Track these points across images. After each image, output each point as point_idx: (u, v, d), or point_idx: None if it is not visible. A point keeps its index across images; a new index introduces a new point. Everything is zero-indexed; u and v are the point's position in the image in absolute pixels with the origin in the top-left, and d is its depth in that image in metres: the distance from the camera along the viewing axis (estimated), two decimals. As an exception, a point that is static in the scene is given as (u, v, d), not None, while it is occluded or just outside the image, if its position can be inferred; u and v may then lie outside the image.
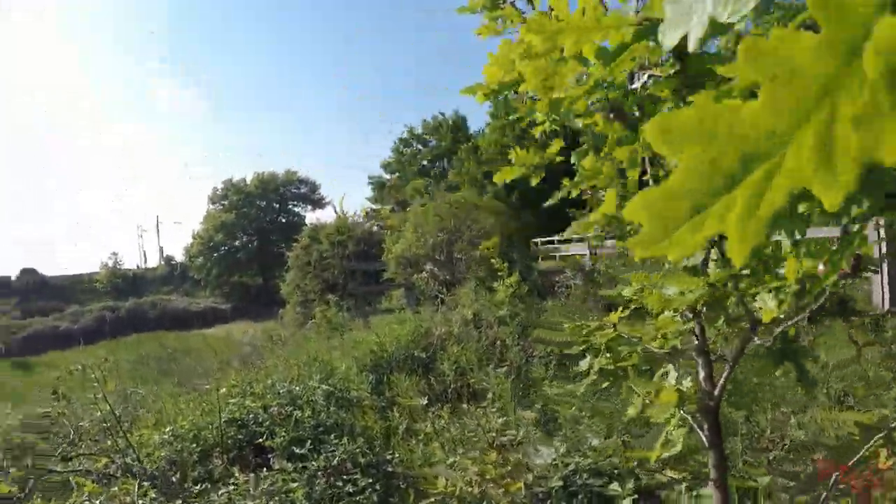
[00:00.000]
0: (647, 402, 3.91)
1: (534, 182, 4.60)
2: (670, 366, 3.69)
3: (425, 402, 6.60)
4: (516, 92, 4.86)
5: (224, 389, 7.17)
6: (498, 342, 9.32)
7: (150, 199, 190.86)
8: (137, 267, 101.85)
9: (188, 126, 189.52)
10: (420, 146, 74.83)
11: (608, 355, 3.86)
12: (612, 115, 2.54)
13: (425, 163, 72.82)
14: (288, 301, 36.80)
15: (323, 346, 12.48)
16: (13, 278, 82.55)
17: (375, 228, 38.73)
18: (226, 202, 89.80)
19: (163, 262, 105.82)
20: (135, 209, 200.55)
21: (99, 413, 7.20)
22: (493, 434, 5.51)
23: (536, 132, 4.49)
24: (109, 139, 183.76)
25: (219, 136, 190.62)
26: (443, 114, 74.12)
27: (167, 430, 6.48)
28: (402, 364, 8.82)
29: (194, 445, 6.31)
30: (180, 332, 60.07)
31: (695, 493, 3.87)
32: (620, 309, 4.00)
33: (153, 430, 6.68)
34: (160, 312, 74.39)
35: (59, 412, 8.19)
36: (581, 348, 3.91)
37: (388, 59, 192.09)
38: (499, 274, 12.18)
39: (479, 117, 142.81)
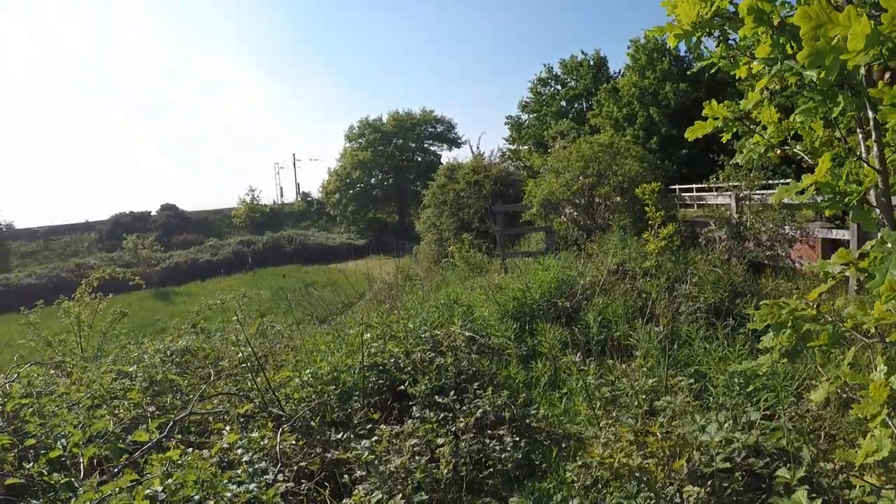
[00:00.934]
0: (844, 392, 3.57)
1: (725, 138, 4.22)
2: (879, 357, 3.34)
3: (578, 358, 6.28)
4: (723, 34, 4.44)
5: (368, 335, 7.00)
6: (644, 295, 8.96)
7: (288, 136, 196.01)
8: (274, 202, 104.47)
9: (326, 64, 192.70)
10: (559, 86, 73.50)
11: (789, 331, 3.53)
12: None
13: (563, 103, 71.54)
14: (423, 238, 37.40)
15: (461, 287, 12.37)
16: (153, 213, 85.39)
17: (512, 169, 39.31)
18: (362, 140, 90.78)
19: (300, 198, 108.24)
20: (273, 146, 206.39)
21: (239, 353, 7.21)
22: (644, 397, 5.23)
23: (754, 89, 4.10)
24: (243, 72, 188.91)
25: (354, 75, 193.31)
26: (584, 52, 72.62)
27: (307, 372, 6.42)
28: (545, 312, 8.48)
29: (333, 387, 6.24)
30: (318, 265, 61.52)
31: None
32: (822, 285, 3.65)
33: (294, 370, 6.62)
34: (297, 247, 76.71)
35: (199, 346, 8.33)
36: (763, 323, 3.59)
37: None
38: (650, 223, 11.73)
39: (619, 58, 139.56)
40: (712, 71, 4.25)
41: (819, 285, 3.64)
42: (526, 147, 67.20)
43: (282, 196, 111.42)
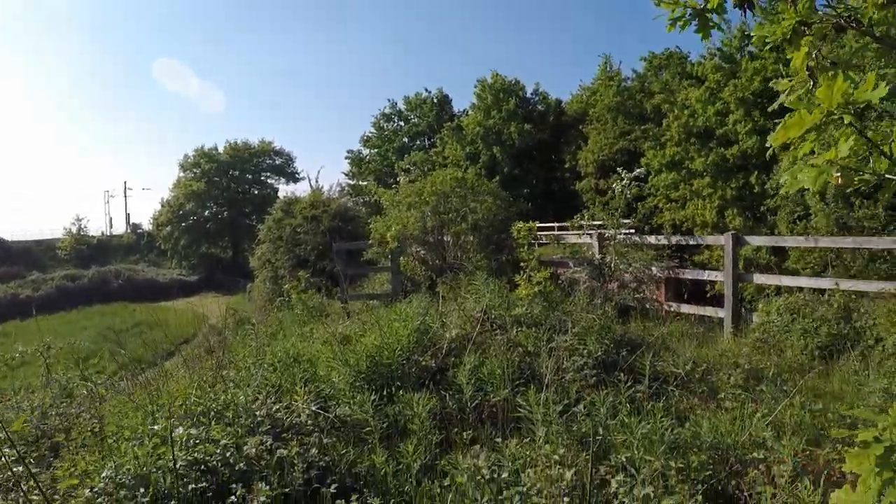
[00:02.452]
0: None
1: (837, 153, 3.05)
2: None
3: (479, 459, 4.68)
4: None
5: (180, 429, 5.15)
6: (521, 349, 7.66)
7: (118, 164, 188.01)
8: (102, 234, 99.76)
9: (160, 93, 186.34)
10: (402, 122, 73.22)
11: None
12: None
13: (406, 140, 71.21)
14: (257, 275, 36.05)
15: (300, 336, 10.86)
16: (-29, 243, 79.76)
17: (351, 204, 37.78)
18: (197, 170, 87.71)
19: (129, 230, 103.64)
20: (102, 173, 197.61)
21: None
22: (567, 501, 3.87)
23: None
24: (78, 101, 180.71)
25: (192, 104, 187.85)
26: (427, 90, 72.69)
27: (104, 476, 4.58)
28: (406, 373, 6.98)
29: (143, 492, 4.49)
30: (148, 303, 58.47)
31: None
32: None
33: (95, 459, 4.91)
34: (125, 282, 72.77)
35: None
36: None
37: (371, 34, 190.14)
38: (522, 265, 10.48)
39: (463, 97, 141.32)
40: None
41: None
42: (368, 182, 66.16)
43: (111, 227, 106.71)
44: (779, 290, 14.90)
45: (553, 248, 18.38)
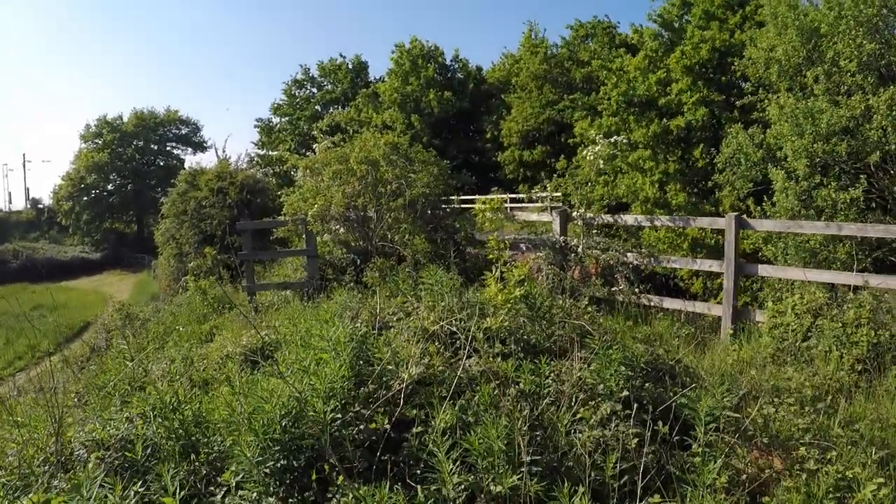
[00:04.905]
0: None
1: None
2: None
3: None
4: None
5: None
6: (518, 395, 5.12)
7: (18, 135, 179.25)
8: (0, 210, 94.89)
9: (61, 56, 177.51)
10: (315, 89, 70.29)
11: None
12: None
13: (319, 108, 68.41)
14: (161, 252, 34.47)
15: (193, 349, 8.41)
16: None
17: (261, 175, 36.40)
18: (99, 141, 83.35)
19: (29, 206, 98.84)
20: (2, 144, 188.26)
21: None
22: None
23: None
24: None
25: (95, 70, 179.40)
26: (342, 56, 69.76)
27: None
28: (343, 439, 4.50)
29: None
30: (49, 283, 55.36)
31: None
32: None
33: None
34: (25, 262, 68.86)
35: None
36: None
37: None
38: (490, 258, 7.91)
39: (382, 65, 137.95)
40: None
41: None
42: (278, 151, 62.93)
43: (10, 202, 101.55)
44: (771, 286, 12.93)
45: (513, 224, 15.86)
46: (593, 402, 5.01)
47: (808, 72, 17.41)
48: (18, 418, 5.94)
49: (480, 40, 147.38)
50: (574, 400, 5.04)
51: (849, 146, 15.46)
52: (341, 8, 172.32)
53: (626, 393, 5.08)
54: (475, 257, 12.93)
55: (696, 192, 28.99)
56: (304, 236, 13.81)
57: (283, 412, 4.33)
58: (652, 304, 10.94)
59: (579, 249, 11.31)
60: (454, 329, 6.09)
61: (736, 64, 22.57)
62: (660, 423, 4.80)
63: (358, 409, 4.67)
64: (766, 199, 17.92)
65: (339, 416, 4.48)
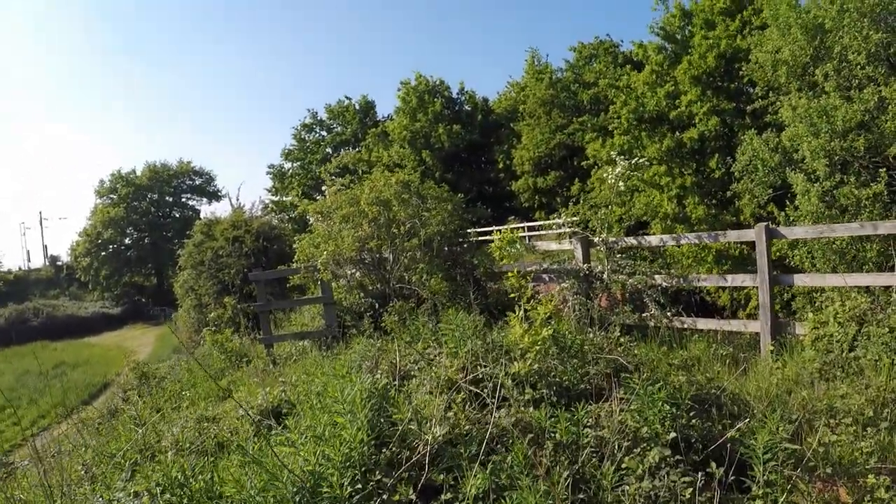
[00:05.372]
0: None
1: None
2: None
3: None
4: None
5: None
6: (553, 449, 4.65)
7: (34, 193, 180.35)
8: (20, 269, 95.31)
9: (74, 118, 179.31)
10: (324, 132, 70.38)
11: None
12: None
13: (329, 150, 68.40)
14: (181, 304, 34.30)
15: (211, 408, 8.02)
16: None
17: (276, 222, 37.01)
18: (114, 196, 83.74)
19: (47, 263, 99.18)
20: (17, 204, 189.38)
21: None
22: None
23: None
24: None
25: (106, 126, 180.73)
26: (348, 98, 69.97)
27: None
28: None
29: None
30: (70, 339, 55.12)
31: None
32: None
33: None
34: (45, 319, 68.63)
35: None
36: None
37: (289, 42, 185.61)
38: (511, 297, 7.36)
39: (388, 103, 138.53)
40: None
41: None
42: (291, 197, 62.91)
43: (29, 261, 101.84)
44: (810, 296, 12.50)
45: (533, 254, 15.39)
46: (638, 449, 4.57)
47: (816, 70, 17.20)
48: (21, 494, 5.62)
49: (484, 73, 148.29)
50: (617, 448, 4.60)
51: (866, 141, 15.24)
52: (342, 52, 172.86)
53: (672, 434, 4.63)
54: (497, 292, 12.50)
55: (714, 203, 28.58)
56: (319, 283, 13.39)
57: (295, 488, 3.93)
58: (685, 326, 10.46)
59: (604, 276, 10.84)
60: (480, 376, 5.68)
61: (744, 69, 22.36)
62: (713, 464, 4.38)
63: (379, 477, 4.21)
64: (788, 203, 17.61)
65: (360, 485, 4.06)
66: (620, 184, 11.35)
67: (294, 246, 14.22)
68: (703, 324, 10.55)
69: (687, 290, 11.26)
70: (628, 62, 40.73)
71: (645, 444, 4.62)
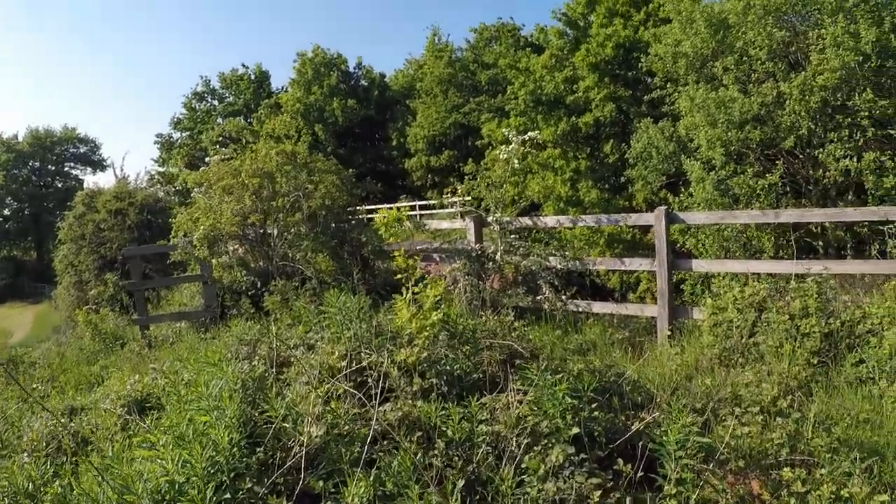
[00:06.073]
0: None
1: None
2: None
3: None
4: None
5: None
6: (439, 446, 4.14)
7: None
8: None
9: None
10: (216, 102, 68.54)
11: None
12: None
13: (220, 120, 66.53)
14: (60, 281, 32.27)
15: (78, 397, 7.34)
16: None
17: (162, 194, 35.11)
18: (-8, 161, 79.45)
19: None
20: None
21: None
22: None
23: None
24: None
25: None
26: (245, 66, 68.18)
27: None
28: None
29: None
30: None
31: None
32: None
33: None
34: (-89, 295, 64.87)
35: None
36: None
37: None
38: (398, 279, 6.75)
39: (285, 75, 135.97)
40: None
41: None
42: (176, 168, 60.84)
43: None
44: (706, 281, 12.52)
45: (422, 233, 14.88)
46: (539, 447, 4.13)
47: (717, 63, 17.34)
48: None
49: (384, 50, 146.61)
50: (516, 445, 4.16)
51: (762, 133, 15.43)
52: (241, 20, 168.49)
53: (575, 429, 4.23)
54: (385, 272, 12.02)
55: (607, 187, 28.77)
56: (199, 260, 12.64)
57: (153, 500, 3.36)
58: (580, 309, 10.22)
59: (497, 256, 10.50)
60: (364, 364, 5.18)
61: (643, 60, 22.50)
62: (619, 461, 4.05)
63: (250, 485, 3.67)
64: (683, 189, 17.78)
65: (228, 495, 3.50)
66: (515, 161, 10.97)
67: (171, 220, 13.43)
68: (599, 307, 10.38)
69: (579, 273, 10.97)
70: (529, 45, 40.84)
71: (546, 441, 4.19)
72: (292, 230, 12.19)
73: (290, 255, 12.35)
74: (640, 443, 4.23)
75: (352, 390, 4.76)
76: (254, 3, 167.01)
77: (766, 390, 5.62)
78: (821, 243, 15.41)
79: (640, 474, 4.05)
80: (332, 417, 4.24)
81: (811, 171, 16.09)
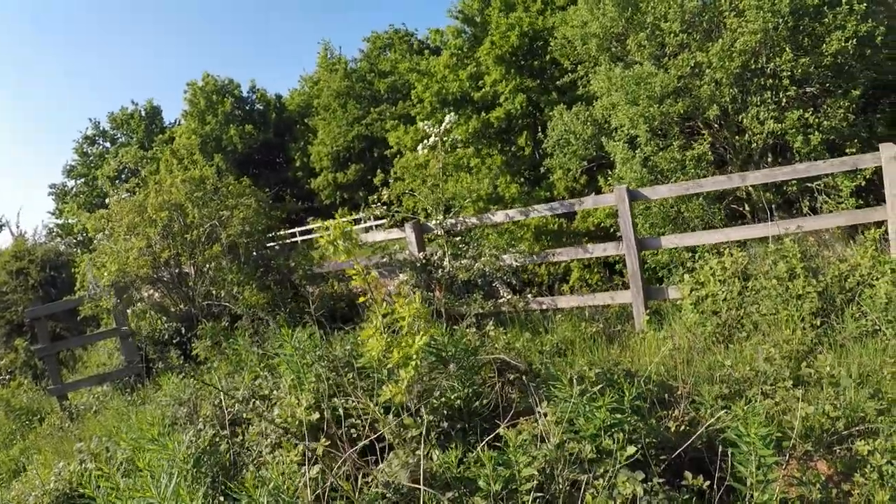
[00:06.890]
0: None
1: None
2: None
3: None
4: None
5: None
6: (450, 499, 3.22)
7: None
8: None
9: None
10: (108, 143, 66.09)
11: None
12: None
13: (113, 163, 64.13)
14: None
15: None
16: None
17: (63, 247, 33.37)
18: None
19: None
20: None
21: None
22: None
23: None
24: None
25: None
26: (134, 103, 66.17)
27: None
28: None
29: None
30: None
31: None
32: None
33: None
34: None
35: None
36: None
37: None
38: (360, 300, 5.60)
39: (175, 107, 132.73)
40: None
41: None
42: (75, 218, 58.20)
43: None
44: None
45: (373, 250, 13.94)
46: (602, 481, 3.27)
47: (629, 40, 17.04)
48: None
49: (277, 72, 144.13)
50: (564, 483, 3.30)
51: (683, 105, 15.10)
52: (126, 56, 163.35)
53: (632, 449, 3.40)
54: (320, 297, 11.02)
55: (525, 181, 28.24)
56: (111, 311, 11.39)
57: None
58: (545, 306, 9.46)
59: (445, 262, 9.65)
60: (340, 412, 4.25)
61: (552, 44, 22.20)
62: (687, 474, 3.30)
63: None
64: (607, 172, 17.51)
65: None
66: (441, 152, 10.17)
67: (75, 272, 12.15)
68: (565, 301, 9.62)
69: (504, 271, 10.14)
70: (425, 49, 40.29)
71: (597, 469, 3.35)
72: (212, 264, 11.09)
73: (213, 292, 11.23)
74: (699, 445, 3.47)
75: (331, 450, 3.79)
76: (139, 31, 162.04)
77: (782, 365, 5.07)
78: (748, 207, 15.35)
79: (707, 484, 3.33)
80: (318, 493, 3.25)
81: (736, 138, 15.95)
